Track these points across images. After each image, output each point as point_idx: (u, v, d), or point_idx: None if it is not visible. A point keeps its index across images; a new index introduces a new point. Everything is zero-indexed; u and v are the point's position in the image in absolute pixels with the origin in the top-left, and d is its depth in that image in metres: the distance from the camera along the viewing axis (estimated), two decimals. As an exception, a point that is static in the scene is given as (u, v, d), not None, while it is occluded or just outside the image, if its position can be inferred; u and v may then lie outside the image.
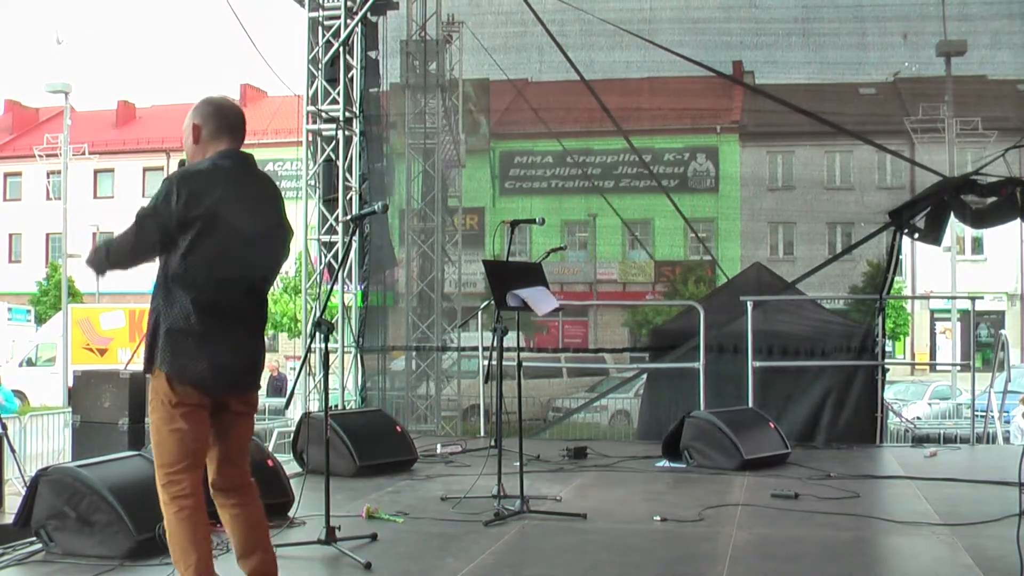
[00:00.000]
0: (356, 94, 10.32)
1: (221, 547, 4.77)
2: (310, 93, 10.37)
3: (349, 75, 10.33)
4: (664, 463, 7.82)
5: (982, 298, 12.93)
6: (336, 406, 9.76)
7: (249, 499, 3.74)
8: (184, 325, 3.48)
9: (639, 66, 11.15)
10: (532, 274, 5.97)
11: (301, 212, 10.45)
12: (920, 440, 12.18)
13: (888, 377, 10.38)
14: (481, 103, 13.21)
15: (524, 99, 12.44)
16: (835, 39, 10.63)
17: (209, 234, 3.50)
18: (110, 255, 3.61)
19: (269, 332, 30.76)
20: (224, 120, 3.68)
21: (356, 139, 10.35)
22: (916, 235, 10.13)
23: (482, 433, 10.03)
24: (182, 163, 3.74)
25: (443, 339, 12.39)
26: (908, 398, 19.40)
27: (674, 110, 12.48)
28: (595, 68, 11.31)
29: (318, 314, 5.98)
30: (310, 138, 10.47)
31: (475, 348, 10.88)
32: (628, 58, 11.16)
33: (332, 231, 10.36)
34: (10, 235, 45.92)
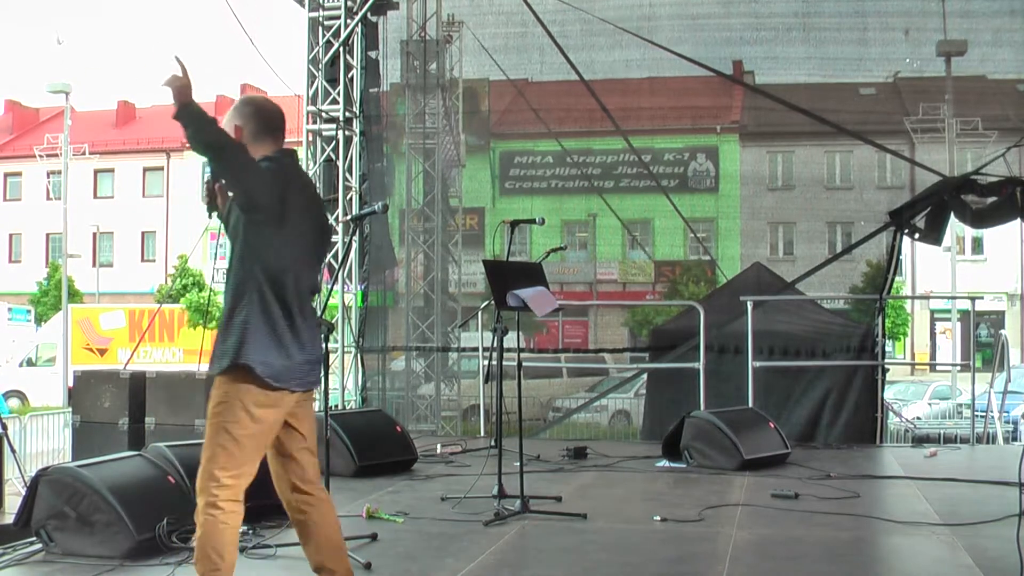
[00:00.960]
0: (356, 94, 10.32)
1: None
2: (310, 93, 10.37)
3: (349, 75, 10.33)
4: (664, 463, 7.82)
5: (982, 298, 12.93)
6: (336, 406, 9.76)
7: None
8: (267, 324, 3.42)
9: (639, 65, 11.14)
10: (532, 274, 5.97)
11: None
12: (920, 440, 12.18)
13: (888, 377, 10.38)
14: (477, 104, 13.23)
15: (524, 99, 12.44)
16: (836, 34, 10.62)
17: (288, 229, 3.48)
18: (207, 124, 3.25)
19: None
20: (266, 120, 3.63)
21: (356, 139, 10.36)
22: (916, 235, 10.13)
23: (482, 433, 10.03)
24: None
25: (444, 339, 12.39)
26: (908, 398, 19.40)
27: (674, 108, 12.47)
28: (595, 68, 11.30)
29: (318, 314, 5.98)
30: (310, 138, 10.47)
31: (475, 348, 10.88)
32: (628, 57, 11.15)
33: (332, 231, 10.37)
34: (10, 235, 45.95)
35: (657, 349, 11.47)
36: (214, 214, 3.63)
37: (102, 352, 29.59)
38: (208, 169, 3.66)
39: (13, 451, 7.93)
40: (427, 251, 12.51)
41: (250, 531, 5.07)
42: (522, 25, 11.24)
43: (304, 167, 10.54)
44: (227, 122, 3.59)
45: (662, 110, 12.35)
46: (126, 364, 11.89)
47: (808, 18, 10.67)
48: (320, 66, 10.30)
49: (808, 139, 11.88)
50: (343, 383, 10.32)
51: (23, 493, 4.99)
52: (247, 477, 3.46)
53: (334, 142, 10.36)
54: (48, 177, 42.66)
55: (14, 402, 26.61)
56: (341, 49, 10.24)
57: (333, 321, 10.12)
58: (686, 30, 10.82)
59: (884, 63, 10.68)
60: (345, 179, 10.36)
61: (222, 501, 3.37)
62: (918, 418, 16.66)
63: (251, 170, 3.38)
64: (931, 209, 9.93)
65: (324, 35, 10.34)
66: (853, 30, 10.57)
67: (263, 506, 5.44)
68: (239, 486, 3.42)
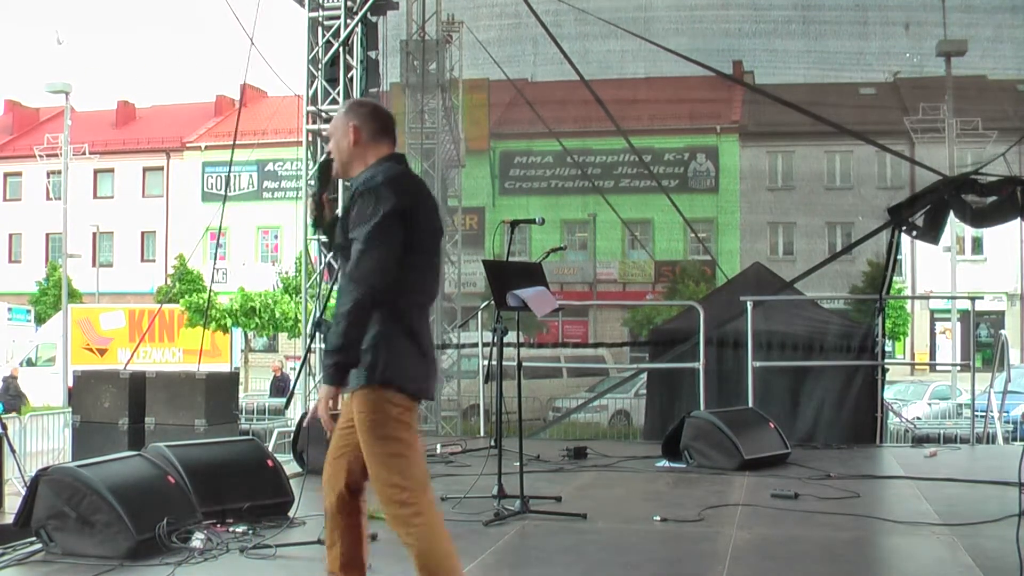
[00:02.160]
0: (356, 94, 10.32)
1: (222, 547, 4.78)
2: (310, 93, 10.37)
3: (349, 75, 10.33)
4: (664, 463, 7.82)
5: (982, 298, 12.93)
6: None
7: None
8: (409, 338, 3.39)
9: (635, 56, 11.11)
10: (532, 274, 5.96)
11: (301, 212, 10.45)
12: (920, 440, 12.18)
13: (888, 377, 10.38)
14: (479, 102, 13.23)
15: (524, 99, 12.44)
16: (836, 27, 10.61)
17: (422, 241, 3.43)
18: (347, 337, 3.26)
19: (269, 332, 30.93)
20: (382, 123, 3.57)
21: (356, 139, 10.35)
22: (914, 232, 10.12)
23: (482, 433, 10.02)
24: (329, 157, 3.68)
25: (443, 339, 12.39)
26: (908, 398, 19.38)
27: (672, 103, 12.46)
28: (595, 67, 11.29)
29: (318, 314, 5.98)
30: (310, 138, 10.47)
31: (474, 344, 10.88)
32: (628, 57, 11.15)
33: (332, 231, 10.36)
34: (10, 235, 45.92)
35: (657, 344, 11.47)
36: (319, 229, 3.62)
37: (102, 352, 29.58)
38: (316, 177, 3.70)
39: (13, 451, 7.92)
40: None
41: (250, 531, 5.07)
42: (523, 27, 11.25)
43: (304, 167, 10.55)
44: (341, 123, 3.56)
45: (659, 102, 12.34)
46: (126, 364, 11.91)
47: (807, 11, 10.66)
48: (320, 66, 10.30)
49: (808, 139, 11.90)
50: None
51: (23, 493, 4.98)
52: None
53: (334, 142, 10.35)
54: (48, 177, 42.65)
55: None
56: (341, 49, 10.24)
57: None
58: (684, 22, 10.81)
59: (884, 57, 10.67)
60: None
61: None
62: (918, 418, 16.66)
63: (392, 254, 3.31)
64: (930, 207, 9.93)
65: (324, 35, 10.34)
66: (853, 23, 10.56)
67: (263, 506, 5.48)
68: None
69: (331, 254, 10.40)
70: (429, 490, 3.43)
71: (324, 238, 10.37)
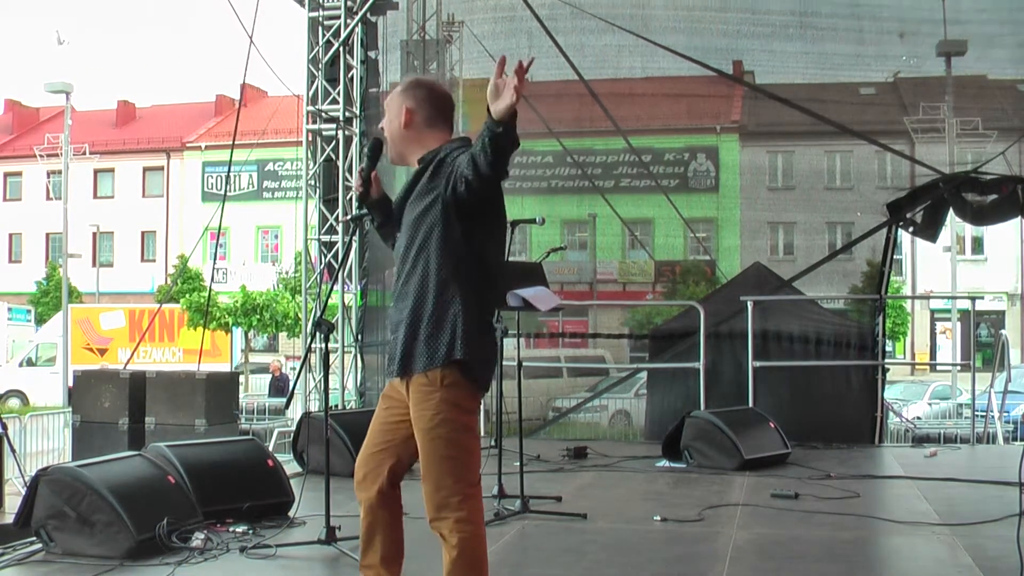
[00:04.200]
0: (356, 94, 10.32)
1: (222, 547, 4.78)
2: (310, 93, 10.37)
3: (349, 75, 10.33)
4: (664, 463, 7.82)
5: (982, 298, 12.94)
6: (336, 406, 9.76)
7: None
8: (480, 321, 3.16)
9: (631, 51, 11.08)
10: (532, 274, 5.96)
11: (301, 212, 10.46)
12: (920, 440, 12.19)
13: (888, 377, 10.38)
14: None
15: (524, 99, 12.42)
16: (832, 33, 10.62)
17: (498, 227, 3.27)
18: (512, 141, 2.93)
19: (270, 331, 30.93)
20: (440, 106, 3.33)
21: (356, 139, 10.35)
22: (911, 229, 10.12)
23: (482, 433, 10.02)
24: (379, 141, 3.48)
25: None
26: (908, 398, 19.39)
27: (669, 97, 12.43)
28: (595, 68, 11.28)
29: (318, 314, 5.98)
30: (310, 138, 10.47)
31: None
32: (627, 57, 11.14)
33: (332, 231, 10.36)
34: (10, 235, 45.93)
35: (658, 339, 11.46)
36: (362, 206, 3.44)
37: (102, 352, 29.59)
38: (367, 155, 3.45)
39: (13, 451, 7.92)
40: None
41: (250, 531, 5.07)
42: (524, 29, 11.23)
43: (304, 167, 10.55)
44: (395, 103, 3.33)
45: (656, 97, 12.31)
46: (126, 364, 11.90)
47: (805, 16, 10.67)
48: (320, 66, 10.30)
49: (808, 139, 11.88)
50: (343, 383, 10.32)
51: (23, 493, 4.98)
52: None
53: (334, 142, 10.36)
54: (48, 177, 42.66)
55: (14, 402, 26.65)
56: (341, 49, 10.24)
57: (333, 321, 10.11)
58: (681, 21, 10.80)
59: (881, 60, 10.68)
60: (345, 179, 10.35)
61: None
62: (918, 418, 16.67)
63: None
64: (929, 204, 9.93)
65: (324, 35, 10.34)
66: (849, 30, 10.57)
67: (263, 506, 5.48)
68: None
69: (331, 254, 10.40)
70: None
71: (324, 237, 10.36)
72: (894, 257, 10.64)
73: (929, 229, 10.02)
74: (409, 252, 3.19)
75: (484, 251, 3.18)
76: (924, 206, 9.90)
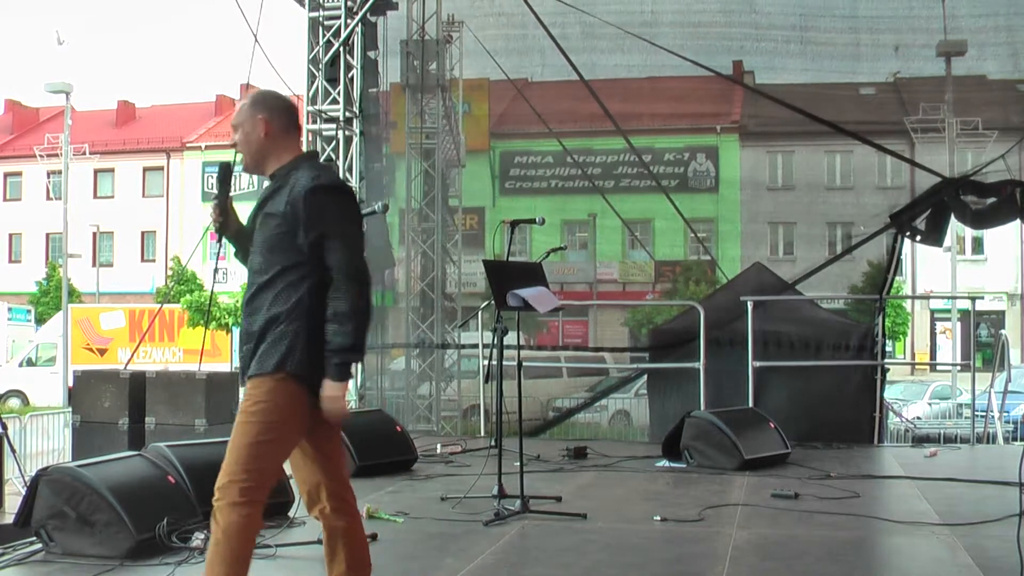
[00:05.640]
0: (356, 94, 10.32)
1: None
2: (310, 93, 10.37)
3: (349, 75, 10.33)
4: (664, 463, 7.82)
5: (982, 298, 12.95)
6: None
7: None
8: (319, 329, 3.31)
9: (640, 70, 11.13)
10: (532, 274, 5.96)
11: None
12: (920, 440, 12.19)
13: (888, 377, 10.38)
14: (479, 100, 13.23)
15: (524, 99, 12.44)
16: (831, 48, 10.66)
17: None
18: (356, 338, 3.24)
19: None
20: (291, 115, 3.50)
21: (356, 139, 10.35)
22: (917, 237, 10.12)
23: (482, 433, 10.03)
24: (229, 164, 3.61)
25: (444, 339, 12.39)
26: (908, 398, 19.38)
27: (672, 105, 12.46)
28: (595, 69, 11.29)
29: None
30: (310, 138, 10.47)
31: (475, 345, 10.88)
32: (629, 59, 11.15)
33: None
34: (10, 235, 45.91)
35: (657, 348, 11.47)
36: (223, 236, 3.50)
37: (102, 352, 29.60)
38: (216, 188, 3.56)
39: (13, 451, 7.92)
40: (427, 251, 12.51)
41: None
42: (522, 26, 11.25)
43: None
44: (248, 115, 3.43)
45: (661, 103, 12.34)
46: (126, 364, 11.90)
47: (805, 31, 10.71)
48: (320, 66, 10.30)
49: (808, 139, 11.90)
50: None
51: (23, 493, 4.98)
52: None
53: (334, 142, 10.36)
54: (48, 177, 42.63)
55: (14, 402, 26.65)
56: (341, 49, 10.24)
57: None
58: (687, 38, 10.84)
59: (878, 74, 10.72)
60: (345, 179, 10.36)
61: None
62: (918, 418, 16.66)
63: (366, 279, 3.31)
64: (932, 211, 9.93)
65: (324, 35, 10.34)
66: (848, 45, 10.63)
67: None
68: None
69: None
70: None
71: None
72: (899, 260, 10.65)
73: (933, 235, 10.02)
74: (257, 273, 3.35)
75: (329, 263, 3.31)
76: (927, 214, 9.90)
